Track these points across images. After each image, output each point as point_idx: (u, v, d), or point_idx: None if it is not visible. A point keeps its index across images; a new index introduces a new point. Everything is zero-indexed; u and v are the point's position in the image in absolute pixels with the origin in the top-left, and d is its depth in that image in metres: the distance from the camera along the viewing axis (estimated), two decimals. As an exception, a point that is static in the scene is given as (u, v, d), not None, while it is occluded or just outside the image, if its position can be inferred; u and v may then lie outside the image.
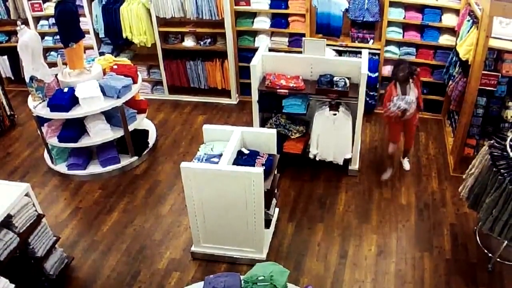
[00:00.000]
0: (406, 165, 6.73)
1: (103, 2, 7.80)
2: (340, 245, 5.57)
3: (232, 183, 4.82)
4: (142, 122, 7.22)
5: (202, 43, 8.02)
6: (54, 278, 5.02)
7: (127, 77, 6.68)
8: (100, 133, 6.56)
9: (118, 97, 6.44)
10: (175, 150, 7.30)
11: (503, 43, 5.62)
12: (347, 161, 6.52)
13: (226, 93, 8.40)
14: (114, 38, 8.10)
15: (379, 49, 7.48)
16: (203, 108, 8.35)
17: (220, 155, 5.08)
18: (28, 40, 6.26)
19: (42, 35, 8.31)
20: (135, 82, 6.81)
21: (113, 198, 6.41)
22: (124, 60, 7.31)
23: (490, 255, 5.31)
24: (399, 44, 7.52)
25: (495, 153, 4.80)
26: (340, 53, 7.45)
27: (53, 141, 6.59)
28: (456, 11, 6.99)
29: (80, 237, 5.82)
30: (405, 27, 7.40)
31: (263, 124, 6.62)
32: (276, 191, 5.61)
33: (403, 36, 7.36)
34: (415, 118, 6.36)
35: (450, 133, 7.24)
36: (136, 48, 8.44)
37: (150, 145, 7.26)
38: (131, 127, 6.76)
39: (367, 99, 7.38)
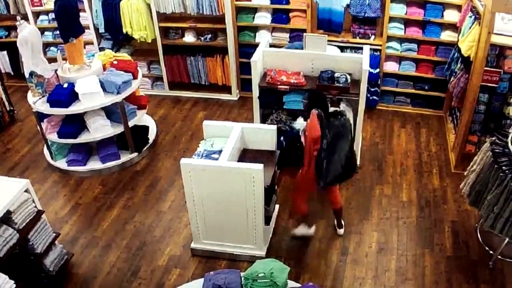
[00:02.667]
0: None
1: (103, -3, 7.78)
2: (341, 242, 5.56)
3: (232, 179, 4.80)
4: (142, 118, 7.20)
5: (202, 38, 7.99)
6: (53, 275, 5.01)
7: (127, 72, 6.65)
8: (100, 129, 6.54)
9: (118, 93, 6.41)
10: (175, 146, 7.28)
11: (505, 39, 5.57)
12: (348, 158, 6.49)
13: (226, 89, 8.38)
14: (114, 33, 8.06)
15: (380, 45, 7.45)
16: (204, 104, 8.32)
17: (220, 151, 5.06)
18: (27, 35, 6.23)
19: (42, 30, 8.30)
20: (135, 77, 6.79)
21: (113, 194, 6.39)
22: (124, 55, 7.28)
23: (491, 252, 5.30)
24: (401, 40, 7.48)
25: (497, 150, 4.78)
26: (341, 49, 7.41)
27: (52, 137, 6.57)
28: (458, 7, 6.96)
29: (80, 234, 5.81)
30: (407, 23, 7.37)
31: (263, 120, 6.59)
32: (276, 188, 5.59)
33: (404, 32, 7.33)
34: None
35: (451, 129, 7.22)
36: (136, 43, 8.40)
37: (150, 141, 7.24)
38: (131, 123, 6.74)
39: (368, 95, 7.35)
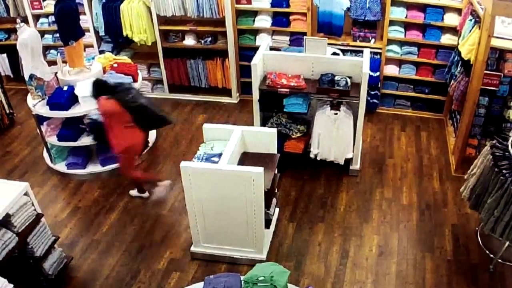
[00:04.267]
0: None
1: (103, 0, 7.77)
2: (341, 245, 5.54)
3: (232, 182, 4.79)
4: (142, 121, 7.18)
5: (202, 41, 7.99)
6: (53, 278, 5.00)
7: (127, 75, 6.65)
8: (100, 132, 6.52)
9: (118, 96, 6.39)
10: (175, 149, 7.27)
11: (505, 42, 5.58)
12: (348, 161, 6.49)
13: (226, 92, 8.37)
14: (114, 36, 8.06)
15: (380, 48, 7.45)
16: (204, 107, 8.32)
17: (220, 155, 5.05)
18: (27, 38, 6.23)
19: (42, 33, 8.29)
20: (135, 80, 6.78)
21: (112, 197, 6.38)
22: (124, 58, 7.28)
23: (491, 256, 5.29)
24: (401, 43, 7.49)
25: (497, 153, 4.77)
26: (342, 52, 7.40)
27: (52, 139, 6.57)
28: (458, 11, 6.96)
29: (79, 237, 5.79)
30: (407, 26, 7.37)
31: (264, 123, 6.60)
32: (276, 191, 5.58)
33: (405, 35, 7.33)
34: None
35: (451, 133, 7.21)
36: (136, 46, 8.39)
37: (150, 144, 7.21)
38: (131, 126, 6.72)
39: (368, 98, 7.35)
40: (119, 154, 5.85)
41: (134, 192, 6.34)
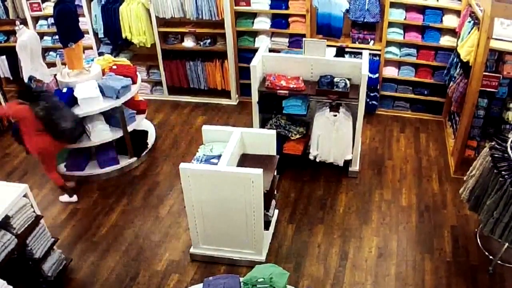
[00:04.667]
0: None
1: (102, 2, 7.78)
2: (340, 246, 5.54)
3: (231, 184, 4.79)
4: (142, 122, 7.19)
5: (202, 43, 8.00)
6: (52, 280, 4.99)
7: (126, 77, 6.64)
8: (99, 134, 6.52)
9: (117, 98, 6.40)
10: (175, 151, 7.28)
11: (504, 44, 5.59)
12: (348, 162, 6.49)
13: (226, 93, 8.38)
14: (113, 38, 8.07)
15: (379, 50, 7.46)
16: (203, 109, 8.32)
17: (219, 156, 5.05)
18: (27, 40, 6.24)
19: (41, 35, 8.29)
20: (134, 82, 6.78)
21: (112, 199, 6.38)
22: (123, 60, 7.28)
23: (491, 257, 5.29)
24: (400, 45, 7.50)
25: (496, 155, 4.78)
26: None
27: (51, 141, 6.55)
28: (457, 12, 6.97)
29: (78, 239, 5.79)
30: (406, 28, 7.38)
31: (263, 125, 6.60)
32: (275, 193, 5.58)
33: (403, 37, 7.34)
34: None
35: (451, 134, 7.22)
36: (135, 48, 8.40)
37: (149, 146, 7.23)
38: (130, 128, 6.73)
39: (368, 100, 7.35)
40: (35, 155, 6.09)
41: (64, 198, 6.33)
